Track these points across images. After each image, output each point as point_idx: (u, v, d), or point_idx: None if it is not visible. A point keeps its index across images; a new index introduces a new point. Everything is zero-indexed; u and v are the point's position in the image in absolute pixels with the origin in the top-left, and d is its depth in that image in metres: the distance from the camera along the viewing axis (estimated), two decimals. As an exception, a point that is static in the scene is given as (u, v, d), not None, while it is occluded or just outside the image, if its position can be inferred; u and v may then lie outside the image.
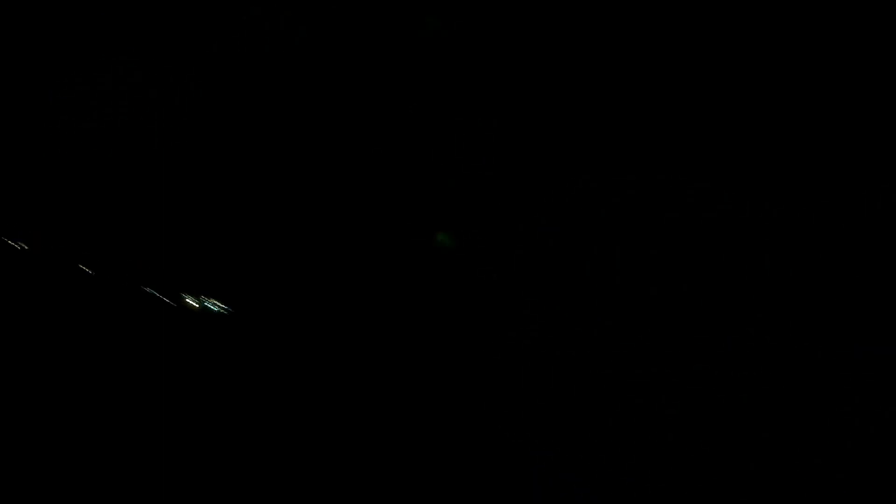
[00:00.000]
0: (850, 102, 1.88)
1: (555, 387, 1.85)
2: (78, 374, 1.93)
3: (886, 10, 1.78)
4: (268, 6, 1.89)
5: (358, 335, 1.98)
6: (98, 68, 2.04)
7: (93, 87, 2.05)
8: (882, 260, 1.74)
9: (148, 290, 1.94)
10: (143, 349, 1.93)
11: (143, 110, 2.05)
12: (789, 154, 1.90)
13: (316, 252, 2.07)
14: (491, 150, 2.01)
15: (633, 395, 1.78)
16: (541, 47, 1.97)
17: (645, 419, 1.73)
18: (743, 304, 1.78)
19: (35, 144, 2.08)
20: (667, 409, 1.75)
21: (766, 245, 1.79)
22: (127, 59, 2.01)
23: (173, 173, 2.06)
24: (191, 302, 1.98)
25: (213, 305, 1.97)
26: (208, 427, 1.85)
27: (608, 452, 1.74)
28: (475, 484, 1.73)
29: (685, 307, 1.80)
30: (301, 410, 1.87)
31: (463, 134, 1.98)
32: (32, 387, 1.85)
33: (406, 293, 1.96)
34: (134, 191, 2.05)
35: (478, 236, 1.93)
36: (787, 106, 1.92)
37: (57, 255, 1.95)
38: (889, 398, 1.63)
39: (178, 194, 2.06)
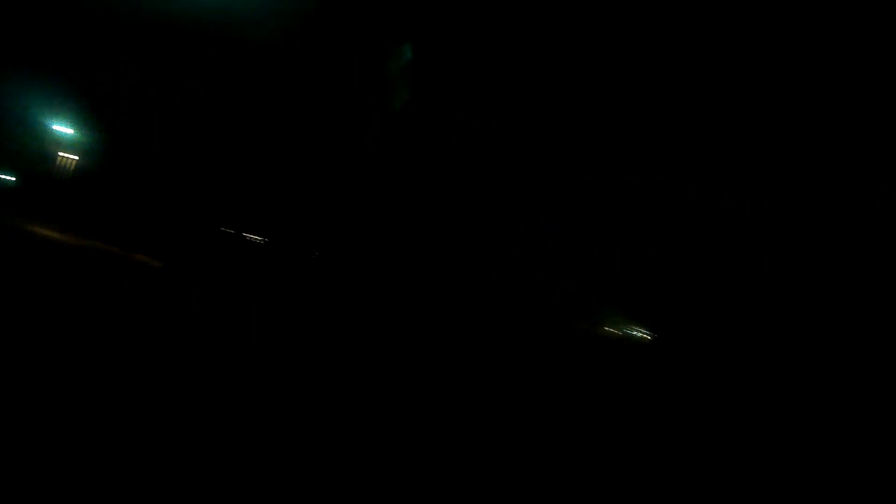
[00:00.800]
0: (849, 104, 1.89)
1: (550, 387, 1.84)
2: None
3: (884, 13, 1.79)
4: (268, 6, 1.89)
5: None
6: (98, 68, 2.05)
7: (93, 86, 2.06)
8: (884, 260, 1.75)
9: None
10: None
11: (144, 110, 2.06)
12: (789, 154, 1.91)
13: (315, 255, 2.07)
14: (491, 150, 2.02)
15: (633, 398, 1.78)
16: (542, 49, 1.98)
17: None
18: (744, 303, 1.79)
19: (35, 143, 2.09)
20: (663, 408, 1.75)
21: (765, 244, 1.80)
22: (127, 59, 2.02)
23: (173, 171, 2.07)
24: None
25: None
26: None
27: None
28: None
29: (685, 306, 1.80)
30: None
31: (463, 134, 1.99)
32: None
33: (406, 294, 1.96)
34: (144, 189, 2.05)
35: (478, 236, 1.94)
36: (786, 107, 1.93)
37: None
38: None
39: (180, 192, 2.06)
